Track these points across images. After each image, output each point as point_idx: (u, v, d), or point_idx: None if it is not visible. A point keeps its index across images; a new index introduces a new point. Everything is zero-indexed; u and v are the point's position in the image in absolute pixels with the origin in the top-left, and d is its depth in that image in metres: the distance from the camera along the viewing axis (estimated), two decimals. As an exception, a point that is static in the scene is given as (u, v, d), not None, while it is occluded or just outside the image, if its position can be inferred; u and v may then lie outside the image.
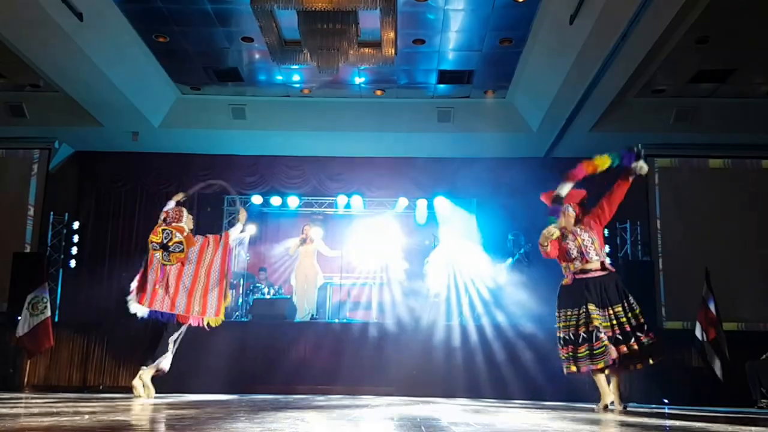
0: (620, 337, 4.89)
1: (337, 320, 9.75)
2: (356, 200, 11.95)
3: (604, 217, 5.24)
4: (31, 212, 10.60)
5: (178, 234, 6.43)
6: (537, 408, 5.22)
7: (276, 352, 8.54)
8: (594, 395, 8.48)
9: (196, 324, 6.54)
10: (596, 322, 4.85)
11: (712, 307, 8.44)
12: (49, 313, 8.89)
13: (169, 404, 4.69)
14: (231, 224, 12.53)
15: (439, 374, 8.36)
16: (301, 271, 10.62)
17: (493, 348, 8.52)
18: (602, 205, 5.26)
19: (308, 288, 10.36)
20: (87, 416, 3.09)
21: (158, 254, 6.42)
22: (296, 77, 9.92)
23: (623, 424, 3.40)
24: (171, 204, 6.78)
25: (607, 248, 10.73)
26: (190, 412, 3.63)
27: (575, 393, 8.31)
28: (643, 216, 10.47)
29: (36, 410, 3.56)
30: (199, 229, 11.55)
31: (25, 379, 8.62)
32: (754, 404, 7.60)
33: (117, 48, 8.59)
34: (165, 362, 6.49)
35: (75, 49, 8.11)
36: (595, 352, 4.80)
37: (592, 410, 5.09)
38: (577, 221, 5.26)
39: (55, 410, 3.55)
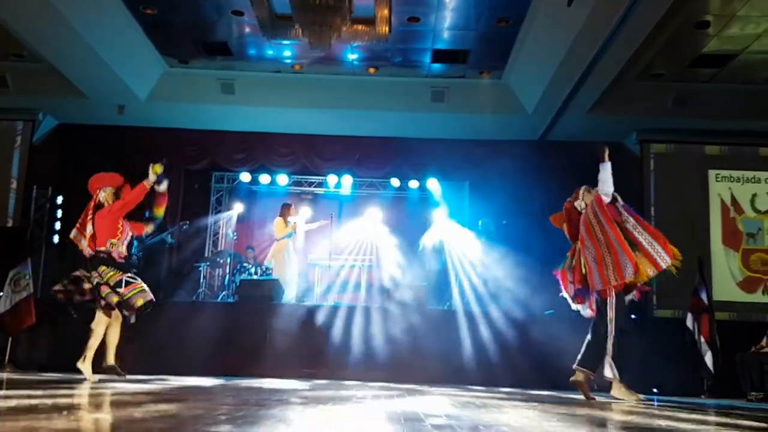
0: None
1: (324, 303, 9.60)
2: (347, 179, 11.80)
3: None
4: (14, 185, 10.36)
5: None
6: (525, 400, 5.12)
7: (262, 334, 8.42)
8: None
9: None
10: None
11: (704, 296, 8.38)
12: (31, 290, 8.73)
13: (151, 393, 4.56)
14: (219, 201, 12.38)
15: (425, 361, 8.24)
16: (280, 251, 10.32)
17: (482, 334, 8.41)
18: None
19: (289, 270, 10.10)
20: (65, 412, 2.98)
21: None
22: (287, 53, 9.68)
23: (619, 423, 3.30)
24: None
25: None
26: (171, 407, 3.50)
27: (561, 382, 8.27)
28: (636, 201, 10.34)
29: (13, 403, 3.42)
30: (185, 207, 11.49)
31: (6, 358, 8.46)
32: (744, 396, 7.57)
33: (103, 19, 8.33)
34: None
35: (59, 19, 7.87)
36: None
37: (581, 402, 5.00)
38: None
39: (33, 403, 3.43)
